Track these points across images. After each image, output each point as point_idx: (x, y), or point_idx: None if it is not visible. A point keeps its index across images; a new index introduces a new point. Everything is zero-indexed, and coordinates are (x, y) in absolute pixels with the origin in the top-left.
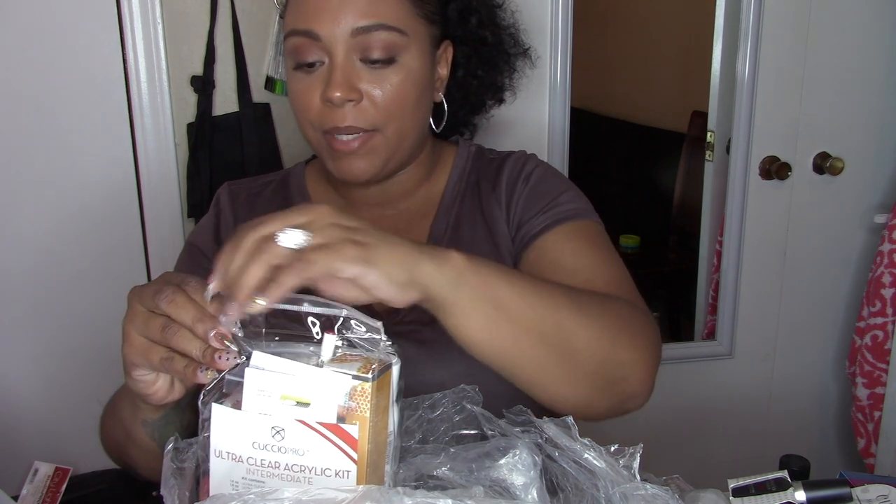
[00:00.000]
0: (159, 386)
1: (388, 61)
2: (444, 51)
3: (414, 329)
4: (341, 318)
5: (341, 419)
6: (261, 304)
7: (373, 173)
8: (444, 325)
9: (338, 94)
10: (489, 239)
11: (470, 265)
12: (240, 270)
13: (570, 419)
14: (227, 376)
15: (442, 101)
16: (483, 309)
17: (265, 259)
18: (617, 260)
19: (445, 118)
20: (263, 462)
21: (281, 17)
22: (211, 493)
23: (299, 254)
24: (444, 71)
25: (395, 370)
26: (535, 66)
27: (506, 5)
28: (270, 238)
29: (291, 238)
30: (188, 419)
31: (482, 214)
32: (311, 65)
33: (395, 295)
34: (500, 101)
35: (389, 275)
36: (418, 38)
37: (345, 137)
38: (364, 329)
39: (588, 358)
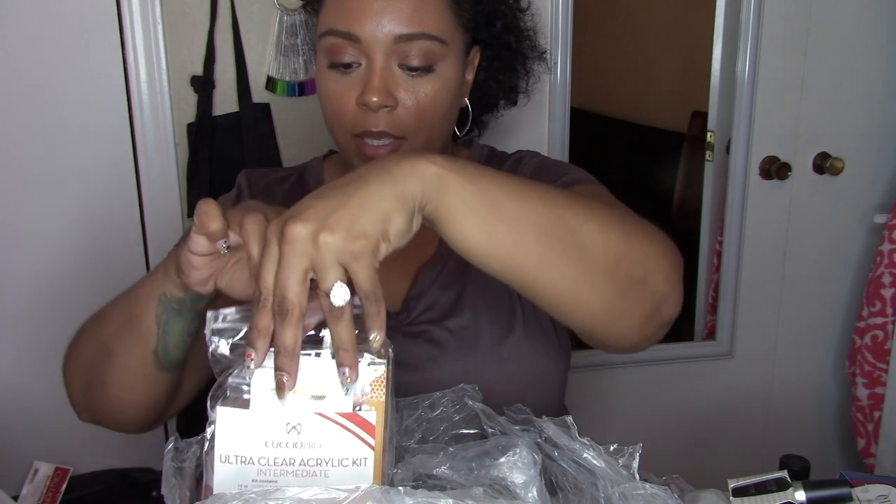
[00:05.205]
0: (203, 272)
1: (427, 69)
2: (473, 56)
3: (425, 329)
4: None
5: (357, 406)
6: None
7: None
8: (446, 238)
9: (375, 100)
10: None
11: (451, 166)
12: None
13: (570, 419)
14: (231, 380)
15: (466, 106)
16: (477, 209)
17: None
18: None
19: (469, 123)
20: (277, 460)
21: (286, 15)
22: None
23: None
24: (470, 76)
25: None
26: (551, 72)
27: (530, 10)
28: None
29: (341, 296)
30: (195, 328)
31: None
32: (348, 66)
33: (402, 241)
34: (514, 102)
35: (374, 240)
36: (455, 47)
37: (375, 143)
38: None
39: (601, 253)
